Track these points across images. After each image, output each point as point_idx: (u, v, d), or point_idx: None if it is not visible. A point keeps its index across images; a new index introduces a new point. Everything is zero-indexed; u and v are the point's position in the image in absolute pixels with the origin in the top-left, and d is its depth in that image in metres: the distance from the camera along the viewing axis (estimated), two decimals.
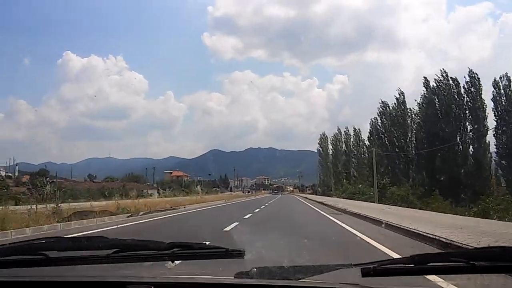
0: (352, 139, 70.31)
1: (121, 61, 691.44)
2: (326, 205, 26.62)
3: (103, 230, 12.30)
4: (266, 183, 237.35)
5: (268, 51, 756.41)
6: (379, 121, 61.30)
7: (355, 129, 69.71)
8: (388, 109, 60.25)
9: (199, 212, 22.61)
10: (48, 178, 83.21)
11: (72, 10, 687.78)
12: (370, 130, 63.80)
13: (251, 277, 1.60)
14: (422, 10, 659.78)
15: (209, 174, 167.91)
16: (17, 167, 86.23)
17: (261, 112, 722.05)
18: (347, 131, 72.51)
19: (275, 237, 7.43)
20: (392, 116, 59.38)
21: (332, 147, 76.23)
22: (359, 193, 45.66)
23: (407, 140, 57.37)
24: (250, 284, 1.59)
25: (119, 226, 14.18)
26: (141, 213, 19.30)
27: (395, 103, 58.93)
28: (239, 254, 1.77)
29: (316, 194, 77.68)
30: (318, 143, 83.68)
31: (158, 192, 77.06)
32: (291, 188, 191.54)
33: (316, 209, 24.11)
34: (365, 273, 1.49)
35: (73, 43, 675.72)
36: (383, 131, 60.48)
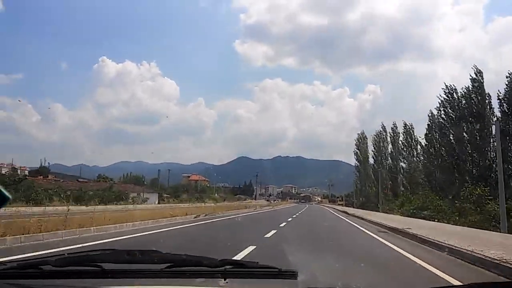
0: (401, 138, 53.34)
1: (154, 67, 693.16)
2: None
3: None
4: (293, 192, 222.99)
5: (299, 59, 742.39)
6: (442, 113, 44.44)
7: (405, 125, 52.77)
8: (455, 96, 43.30)
9: None
10: (45, 176, 71.29)
11: (108, 17, 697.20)
12: (428, 125, 46.98)
13: None
14: (458, 20, 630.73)
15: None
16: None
17: (290, 120, 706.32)
18: (394, 127, 55.62)
19: None
20: (462, 106, 42.48)
21: (374, 148, 59.30)
22: (434, 211, 28.67)
23: (485, 134, 40.26)
24: None
25: None
26: None
27: (466, 88, 41.98)
28: (292, 275, 1.72)
29: (353, 207, 60.83)
30: (355, 144, 66.88)
31: (160, 198, 62.49)
32: (319, 198, 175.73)
33: None
34: None
35: (109, 48, 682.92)
36: (449, 125, 43.60)
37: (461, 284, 1.61)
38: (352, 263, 6.89)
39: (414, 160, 51.33)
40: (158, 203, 56.53)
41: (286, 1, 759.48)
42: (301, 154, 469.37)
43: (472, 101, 41.43)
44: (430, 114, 47.10)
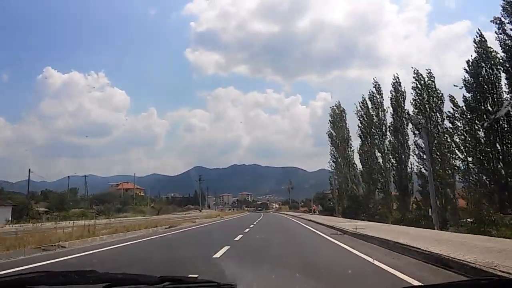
0: (412, 97, 30.05)
1: (102, 77, 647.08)
2: None
3: None
4: (250, 200, 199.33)
5: (251, 67, 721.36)
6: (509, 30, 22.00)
7: (417, 73, 29.54)
8: None
9: None
10: None
11: (53, 25, 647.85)
12: (473, 60, 24.34)
13: None
14: (403, 27, 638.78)
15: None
16: None
17: (245, 129, 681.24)
18: (397, 84, 32.41)
19: None
20: None
21: (362, 122, 35.60)
22: None
23: None
24: None
25: None
26: None
27: None
28: (231, 287, 1.61)
29: (332, 215, 36.70)
30: (329, 121, 43.33)
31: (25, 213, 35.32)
32: (277, 205, 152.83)
33: None
34: None
35: (54, 58, 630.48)
36: None
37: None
38: None
39: (438, 130, 28.24)
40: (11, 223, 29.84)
41: (236, 8, 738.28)
42: (256, 162, 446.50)
43: None
44: (475, 41, 24.40)
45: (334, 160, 42.83)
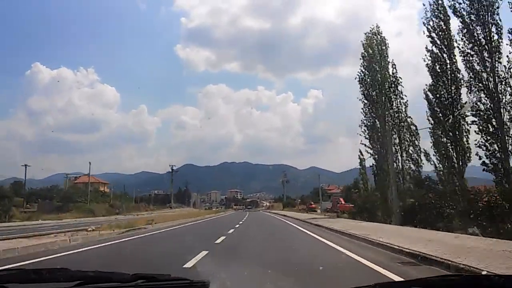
0: None
1: (92, 74, 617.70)
2: None
3: None
4: (239, 197, 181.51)
5: (242, 64, 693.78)
6: None
7: None
8: None
9: None
10: None
11: (42, 20, 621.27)
12: None
13: None
14: (395, 25, 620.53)
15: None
16: None
17: (236, 126, 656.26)
18: None
19: None
20: None
21: (437, 26, 17.16)
22: None
23: None
24: None
25: None
26: None
27: None
28: (204, 285, 1.63)
29: (372, 221, 17.94)
30: (362, 56, 24.17)
31: None
32: (268, 203, 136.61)
33: None
34: None
35: (42, 54, 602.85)
36: None
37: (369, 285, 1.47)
38: None
39: None
40: None
41: (228, 5, 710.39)
42: (248, 159, 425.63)
43: None
44: None
45: (370, 122, 23.83)
